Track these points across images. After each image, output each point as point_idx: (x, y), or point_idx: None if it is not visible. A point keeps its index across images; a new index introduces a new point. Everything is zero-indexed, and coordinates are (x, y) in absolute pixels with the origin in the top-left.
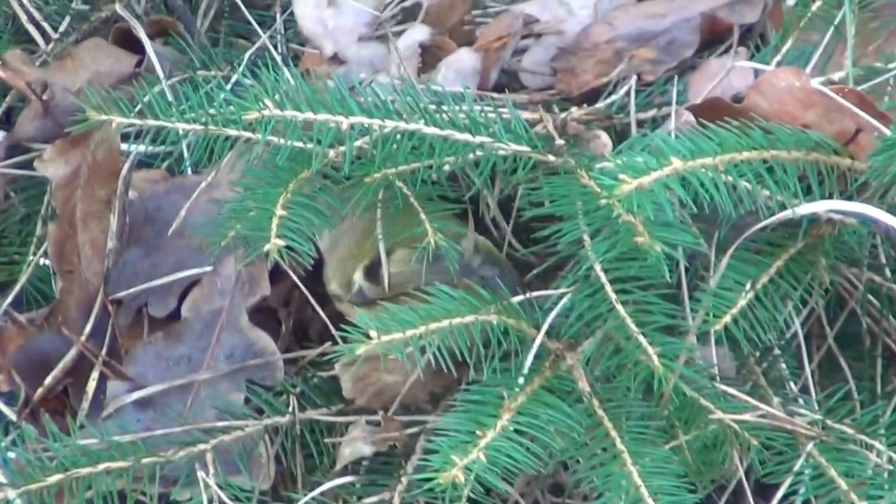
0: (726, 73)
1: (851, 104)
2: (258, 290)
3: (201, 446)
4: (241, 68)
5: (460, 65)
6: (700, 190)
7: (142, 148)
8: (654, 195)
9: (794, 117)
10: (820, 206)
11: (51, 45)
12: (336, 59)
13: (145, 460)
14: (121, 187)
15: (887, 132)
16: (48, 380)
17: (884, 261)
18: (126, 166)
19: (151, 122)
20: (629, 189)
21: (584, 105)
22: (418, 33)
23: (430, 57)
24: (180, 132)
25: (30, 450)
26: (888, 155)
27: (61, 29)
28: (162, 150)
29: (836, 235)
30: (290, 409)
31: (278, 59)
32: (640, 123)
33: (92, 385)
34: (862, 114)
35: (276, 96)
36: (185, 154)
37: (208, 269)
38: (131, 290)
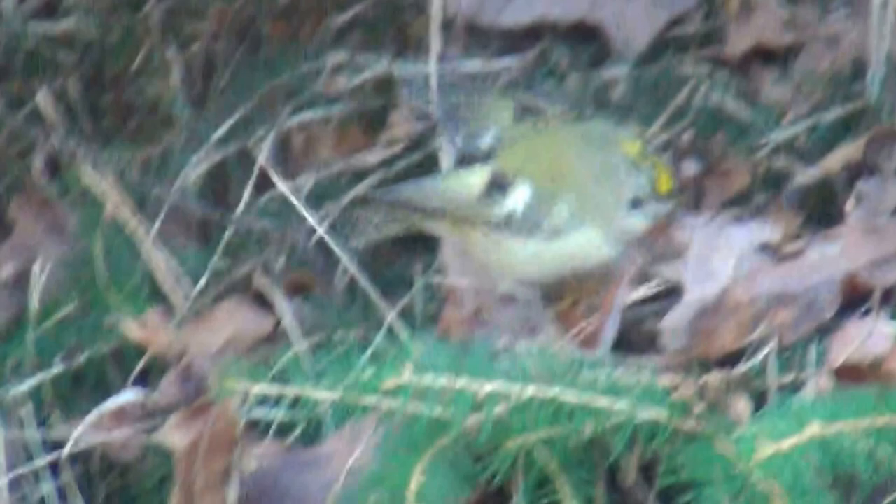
0: (867, 337)
1: None
2: None
3: None
4: (380, 334)
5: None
6: (838, 456)
7: (261, 413)
8: (793, 461)
9: None
10: None
11: (188, 303)
12: (476, 318)
13: None
14: (237, 459)
15: None
16: None
17: None
18: (242, 437)
19: (289, 389)
20: (767, 454)
21: (724, 368)
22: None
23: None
24: (317, 401)
25: None
26: None
27: (199, 287)
28: (282, 416)
29: None
30: None
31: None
32: (779, 387)
33: None
34: None
35: (415, 361)
36: (323, 422)
37: None
38: None
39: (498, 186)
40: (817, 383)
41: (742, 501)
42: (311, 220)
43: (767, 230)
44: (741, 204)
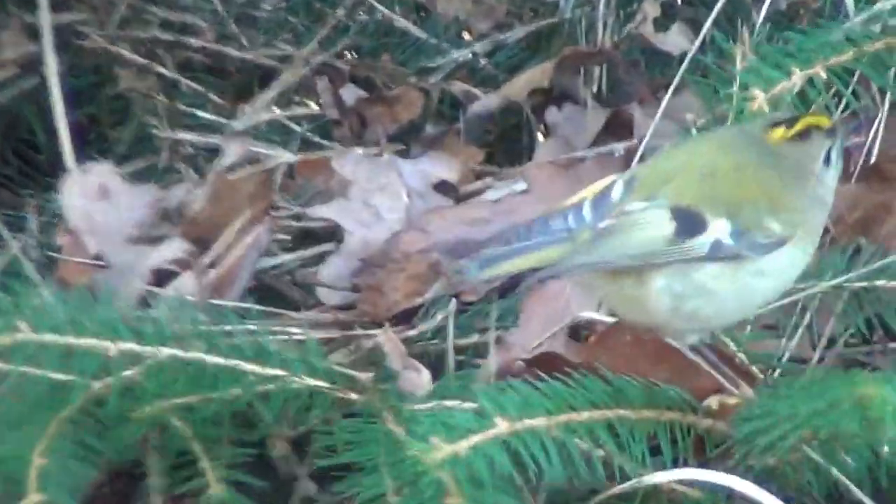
0: (566, 302)
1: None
2: None
3: None
4: None
5: (182, 287)
6: (528, 460)
7: None
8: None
9: (644, 373)
10: (673, 476)
11: None
12: (98, 261)
13: None
14: None
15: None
16: None
17: None
18: None
19: None
20: (442, 457)
21: (395, 329)
22: (169, 250)
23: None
24: None
25: None
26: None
27: None
28: None
29: None
30: None
31: (31, 269)
32: (459, 350)
33: None
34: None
35: (32, 318)
36: None
37: None
38: None
39: (684, 221)
40: (500, 353)
41: (409, 496)
42: None
43: (443, 167)
44: (412, 136)
